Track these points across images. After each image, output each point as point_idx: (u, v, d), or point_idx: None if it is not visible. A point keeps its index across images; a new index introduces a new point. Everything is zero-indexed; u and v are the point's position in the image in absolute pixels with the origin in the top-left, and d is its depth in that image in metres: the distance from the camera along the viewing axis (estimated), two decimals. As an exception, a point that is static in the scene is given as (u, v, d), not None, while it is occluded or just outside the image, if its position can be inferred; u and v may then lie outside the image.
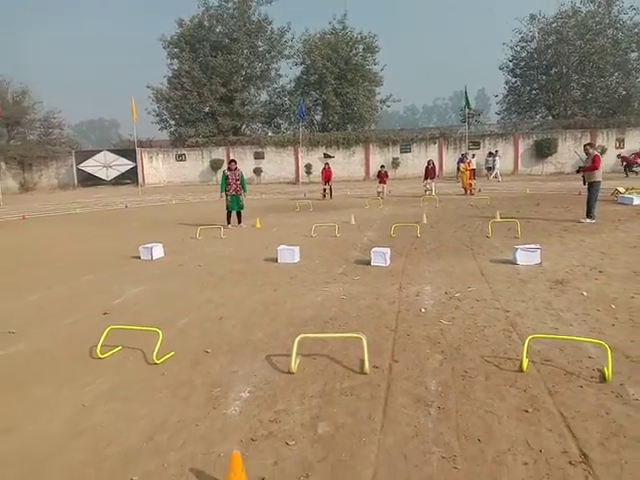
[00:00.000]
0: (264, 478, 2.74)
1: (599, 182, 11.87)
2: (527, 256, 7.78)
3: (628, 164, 28.08)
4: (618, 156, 29.64)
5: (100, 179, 35.17)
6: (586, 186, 12.10)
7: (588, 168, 11.83)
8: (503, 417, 3.27)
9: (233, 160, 13.94)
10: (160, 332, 4.49)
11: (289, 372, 4.03)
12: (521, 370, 3.95)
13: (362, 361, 4.06)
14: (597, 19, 36.82)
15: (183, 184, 36.29)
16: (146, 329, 4.78)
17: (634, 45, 37.19)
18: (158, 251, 9.44)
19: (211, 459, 2.94)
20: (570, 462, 2.76)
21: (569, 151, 32.72)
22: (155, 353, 4.37)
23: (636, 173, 27.85)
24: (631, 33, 36.88)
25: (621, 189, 17.03)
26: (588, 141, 13.29)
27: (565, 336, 4.52)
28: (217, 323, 5.41)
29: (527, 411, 3.33)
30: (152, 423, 3.38)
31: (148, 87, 40.48)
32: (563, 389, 3.63)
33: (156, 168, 37.00)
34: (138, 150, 34.39)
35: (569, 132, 33.14)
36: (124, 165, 35.56)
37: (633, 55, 37.68)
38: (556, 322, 5.08)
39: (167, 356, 4.47)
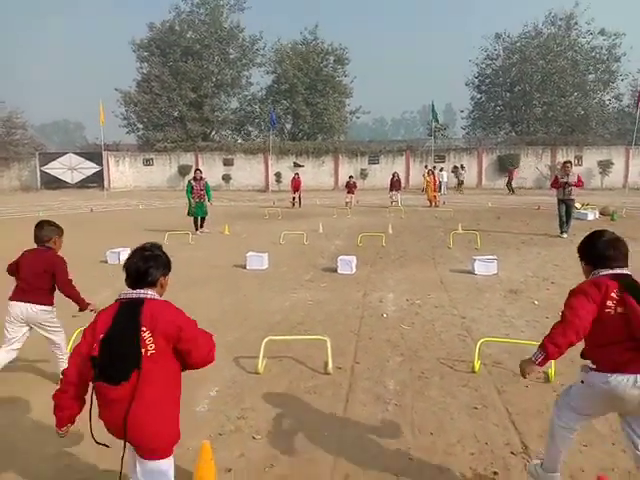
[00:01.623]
0: (231, 469, 2.92)
1: (574, 199, 12.41)
2: (485, 266, 8.17)
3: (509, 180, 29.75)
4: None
5: (65, 182, 34.47)
6: (557, 202, 12.35)
7: (576, 185, 12.07)
8: (454, 413, 3.54)
9: (199, 169, 14.34)
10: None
11: (256, 372, 4.22)
12: (473, 371, 4.24)
13: (326, 362, 4.29)
14: (558, 41, 38.50)
15: (150, 189, 35.91)
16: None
17: (591, 67, 39.02)
18: (126, 255, 9.44)
19: (181, 452, 3.08)
20: (512, 452, 3.05)
21: (530, 167, 34.01)
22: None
23: (513, 191, 29.07)
24: (588, 56, 38.71)
25: (577, 205, 17.84)
26: (567, 159, 13.49)
27: (513, 339, 4.86)
28: (186, 326, 5.54)
29: (476, 408, 3.62)
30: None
31: (116, 90, 40.06)
32: (510, 389, 3.93)
33: (123, 172, 36.54)
34: (104, 153, 33.89)
35: (531, 148, 34.40)
36: (90, 168, 34.98)
37: (590, 77, 39.49)
38: (508, 328, 5.43)
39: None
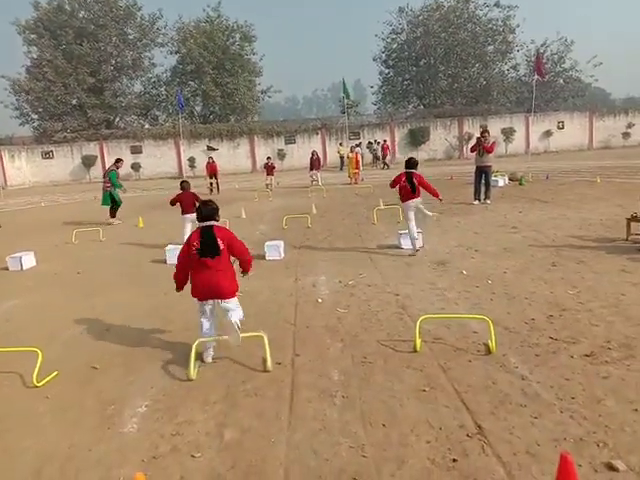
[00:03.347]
0: (171, 497, 2.60)
1: (491, 166, 12.81)
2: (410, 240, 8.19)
3: (383, 155, 29.97)
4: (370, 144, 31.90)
5: (-49, 182, 31.13)
6: (475, 171, 12.77)
7: (485, 148, 12.42)
8: (403, 399, 3.41)
9: (121, 159, 14.18)
10: (39, 351, 4.06)
11: (188, 379, 3.86)
12: (415, 350, 4.15)
13: (264, 359, 4.01)
14: (457, 14, 39.76)
15: (52, 184, 33.30)
16: (22, 349, 4.31)
17: (489, 39, 40.77)
18: (29, 260, 8.56)
19: (110, 485, 2.72)
20: (467, 435, 2.95)
21: (440, 138, 35.17)
22: (35, 375, 3.95)
23: (387, 166, 29.50)
24: (486, 28, 40.37)
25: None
26: (483, 128, 14.37)
27: (452, 315, 4.85)
28: (104, 334, 5.02)
29: (425, 390, 3.51)
30: (38, 454, 3.05)
31: (3, 77, 36.52)
32: (454, 365, 3.87)
33: (19, 168, 33.51)
34: (-4, 148, 30.90)
35: (439, 120, 35.53)
36: (-21, 166, 31.84)
37: (490, 48, 41.26)
38: (441, 301, 5.42)
39: (50, 377, 4.06)
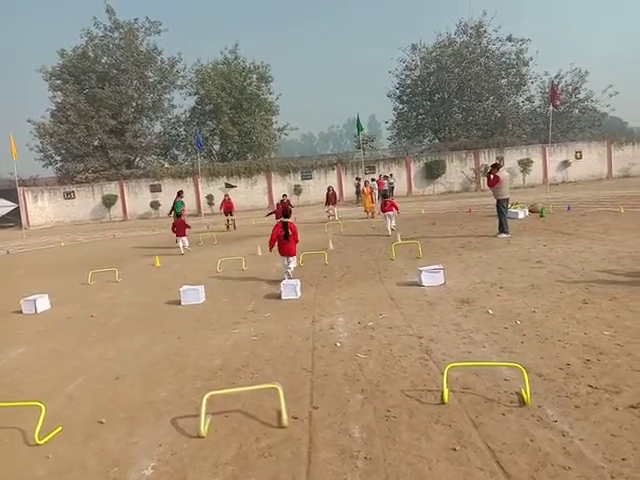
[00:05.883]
0: None
1: (505, 199, 12.73)
2: (431, 277, 7.91)
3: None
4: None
5: (-25, 224, 31.83)
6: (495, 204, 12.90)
7: (488, 183, 12.93)
8: (432, 460, 3.09)
9: (182, 190, 17.50)
10: (43, 406, 3.84)
11: (199, 436, 3.59)
12: (442, 402, 3.83)
13: (279, 413, 3.73)
14: (470, 49, 40.23)
15: (73, 223, 33.86)
16: (25, 404, 4.10)
17: (503, 72, 41.00)
18: (43, 303, 8.45)
19: None
20: (505, 504, 2.63)
21: (456, 171, 35.04)
22: (37, 432, 3.72)
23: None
24: (499, 61, 40.70)
25: (510, 205, 18.26)
26: (497, 161, 15.55)
27: (483, 362, 4.51)
28: (112, 384, 4.79)
29: (455, 449, 3.18)
30: (33, 525, 2.80)
31: (29, 121, 37.69)
32: (486, 419, 3.54)
33: (42, 208, 34.22)
34: (20, 190, 31.59)
35: (455, 153, 35.49)
36: (4, 207, 32.67)
37: (503, 81, 41.46)
38: (468, 345, 5.09)
39: (53, 433, 3.83)
